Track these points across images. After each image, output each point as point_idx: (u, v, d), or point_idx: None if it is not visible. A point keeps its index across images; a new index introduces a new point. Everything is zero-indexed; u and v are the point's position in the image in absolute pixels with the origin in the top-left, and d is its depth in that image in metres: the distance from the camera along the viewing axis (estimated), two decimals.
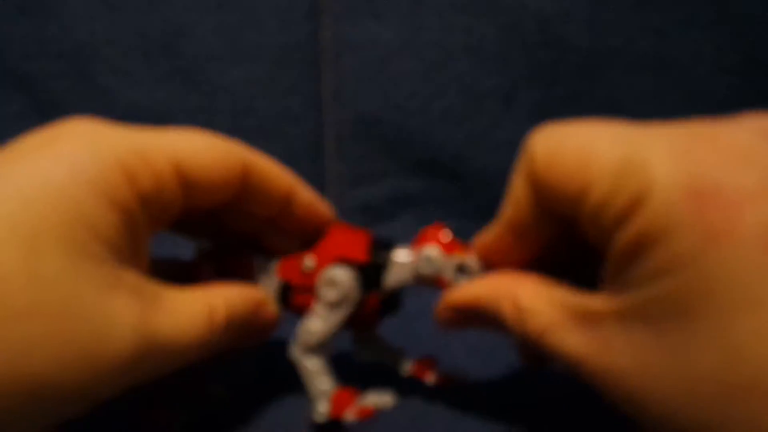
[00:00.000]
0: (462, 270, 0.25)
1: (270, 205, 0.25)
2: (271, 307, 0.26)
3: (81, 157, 0.19)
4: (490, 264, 0.25)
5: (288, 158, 0.51)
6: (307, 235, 0.27)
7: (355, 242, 0.26)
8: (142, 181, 0.20)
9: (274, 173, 0.25)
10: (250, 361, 0.30)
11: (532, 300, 0.22)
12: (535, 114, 0.52)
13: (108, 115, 0.54)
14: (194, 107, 0.51)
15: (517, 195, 0.22)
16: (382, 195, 0.53)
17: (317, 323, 0.24)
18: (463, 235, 0.51)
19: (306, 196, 0.26)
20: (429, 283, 0.25)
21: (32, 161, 0.19)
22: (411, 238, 0.55)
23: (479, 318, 0.24)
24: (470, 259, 0.25)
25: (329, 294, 0.24)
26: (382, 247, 0.26)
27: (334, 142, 0.52)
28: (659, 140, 0.18)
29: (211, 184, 0.23)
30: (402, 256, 0.25)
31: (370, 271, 0.25)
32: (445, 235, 0.25)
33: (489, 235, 0.25)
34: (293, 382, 0.25)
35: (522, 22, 0.50)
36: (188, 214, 0.24)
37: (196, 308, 0.22)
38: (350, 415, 0.23)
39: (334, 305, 0.24)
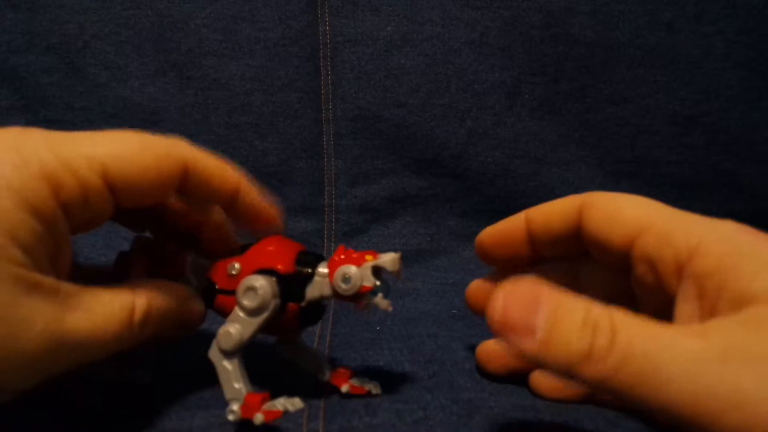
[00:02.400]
0: (377, 272, 0.26)
1: (212, 201, 0.27)
2: (196, 305, 0.27)
3: (4, 165, 0.20)
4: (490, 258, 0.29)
5: (285, 156, 0.51)
6: (252, 235, 0.28)
7: (283, 253, 0.27)
8: (66, 191, 0.22)
9: (218, 173, 0.26)
10: (175, 350, 0.31)
11: (643, 332, 0.19)
12: (538, 110, 0.52)
13: (99, 111, 0.53)
14: (188, 103, 0.50)
15: (553, 212, 0.27)
16: (382, 193, 0.52)
17: (235, 328, 0.26)
18: (464, 235, 0.51)
19: (250, 198, 0.27)
20: (347, 300, 0.26)
21: None
22: (411, 238, 0.54)
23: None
24: (382, 259, 0.26)
25: (248, 301, 0.26)
26: (309, 261, 0.27)
27: (333, 139, 0.51)
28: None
29: (142, 189, 0.23)
30: (326, 270, 0.26)
31: (292, 282, 0.26)
32: (354, 252, 0.26)
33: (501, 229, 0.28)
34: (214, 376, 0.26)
35: (526, 16, 0.50)
36: (125, 210, 0.25)
37: (115, 306, 0.23)
38: (259, 417, 0.24)
39: (252, 312, 0.26)
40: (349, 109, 0.51)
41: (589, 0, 0.50)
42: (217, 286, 0.27)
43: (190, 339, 0.28)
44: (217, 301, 0.27)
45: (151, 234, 0.30)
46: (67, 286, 0.22)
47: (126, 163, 0.23)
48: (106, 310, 0.23)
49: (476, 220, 0.52)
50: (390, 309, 0.26)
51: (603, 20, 0.50)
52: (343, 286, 0.26)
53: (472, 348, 0.32)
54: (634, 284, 0.24)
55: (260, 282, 0.26)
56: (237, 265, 0.27)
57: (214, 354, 0.26)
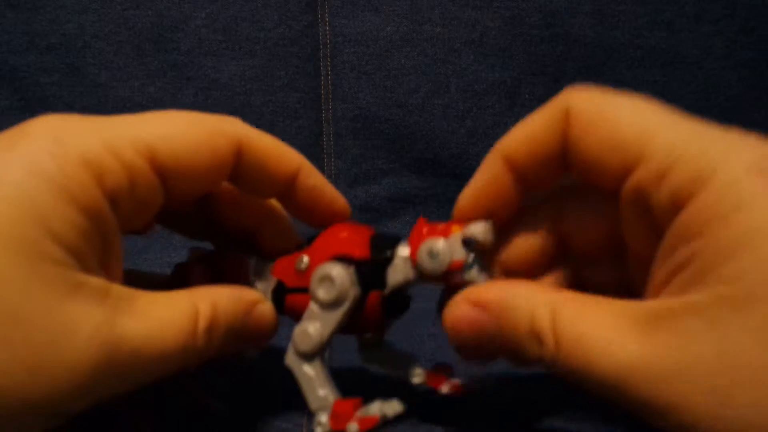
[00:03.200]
0: (469, 243, 0.22)
1: (269, 187, 0.23)
2: (267, 310, 0.24)
3: (40, 153, 0.18)
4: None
5: None
6: (315, 226, 0.25)
7: (355, 238, 0.24)
8: (111, 178, 0.19)
9: (275, 152, 0.23)
10: (247, 369, 0.28)
11: (576, 305, 0.19)
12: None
13: (99, 111, 0.53)
14: (188, 103, 0.50)
15: (535, 139, 0.21)
16: (382, 193, 0.52)
17: (313, 326, 0.22)
18: None
19: (313, 180, 0.24)
20: (436, 280, 0.22)
21: None
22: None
23: (490, 331, 0.21)
24: (472, 228, 0.22)
25: (323, 293, 0.22)
26: (386, 243, 0.23)
27: (333, 139, 0.51)
28: (713, 127, 0.18)
29: (194, 171, 0.21)
30: (407, 251, 0.23)
31: (370, 268, 0.23)
32: (437, 224, 0.23)
33: (484, 176, 0.22)
34: (292, 393, 0.23)
35: (526, 16, 0.50)
36: (177, 204, 0.22)
37: (176, 312, 0.20)
38: (353, 427, 0.21)
39: (329, 305, 0.22)
40: (349, 109, 0.51)
41: (589, 0, 0.50)
42: (287, 285, 0.24)
43: (264, 358, 0.25)
44: (287, 302, 0.24)
45: (205, 238, 0.27)
46: (118, 288, 0.19)
47: (174, 143, 0.20)
48: (164, 315, 0.20)
49: None
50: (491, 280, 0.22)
51: (603, 20, 0.50)
52: (431, 263, 0.22)
53: None
54: (623, 223, 0.20)
55: (336, 270, 0.22)
56: (305, 258, 0.23)
57: (291, 359, 0.23)
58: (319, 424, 0.22)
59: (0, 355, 0.16)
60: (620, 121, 0.19)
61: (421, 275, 0.22)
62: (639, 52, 0.50)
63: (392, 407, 0.23)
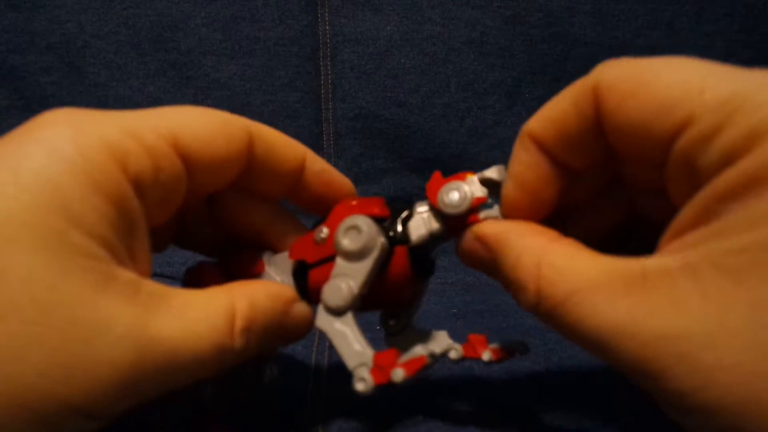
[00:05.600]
0: (486, 183, 0.22)
1: (281, 178, 0.23)
2: (304, 309, 0.23)
3: (61, 139, 0.17)
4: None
5: None
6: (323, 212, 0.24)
7: (370, 202, 0.24)
8: (135, 162, 0.18)
9: (283, 142, 0.23)
10: (272, 370, 0.26)
11: (566, 258, 0.18)
12: (539, 109, 0.51)
13: None
14: (188, 102, 0.50)
15: (562, 120, 0.19)
16: (382, 193, 0.52)
17: (344, 279, 0.21)
18: None
19: (320, 164, 0.24)
20: (458, 224, 0.22)
21: (6, 148, 0.17)
22: None
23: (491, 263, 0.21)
24: (488, 171, 0.22)
25: (349, 242, 0.21)
26: (402, 204, 0.23)
27: (333, 139, 0.51)
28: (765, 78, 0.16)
29: (215, 157, 0.20)
30: (425, 205, 0.23)
31: (392, 223, 0.22)
32: (449, 179, 0.22)
33: (520, 163, 0.21)
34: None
35: (526, 15, 0.50)
36: (190, 210, 0.22)
37: (212, 310, 0.19)
38: (399, 373, 0.20)
39: (357, 255, 0.21)
40: (349, 109, 0.51)
41: (589, 0, 0.50)
42: (308, 261, 0.23)
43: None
44: (312, 278, 0.23)
45: (216, 255, 0.26)
46: (149, 284, 0.18)
47: (194, 129, 0.20)
48: (200, 314, 0.19)
49: None
50: None
51: (603, 20, 0.50)
52: (454, 202, 0.21)
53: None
54: (668, 185, 0.18)
55: (362, 219, 0.21)
56: (325, 229, 0.23)
57: (322, 319, 0.21)
58: (362, 380, 0.20)
59: (35, 355, 0.15)
60: (661, 83, 0.17)
61: (444, 221, 0.22)
62: (639, 52, 0.50)
63: (438, 344, 0.21)
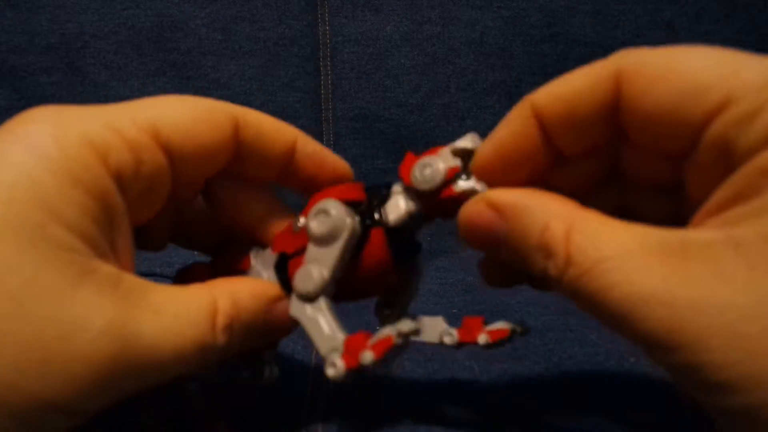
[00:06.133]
0: (457, 153, 0.21)
1: (271, 162, 0.22)
2: (287, 304, 0.22)
3: (40, 136, 0.17)
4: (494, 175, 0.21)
5: None
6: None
7: (347, 187, 0.23)
8: (116, 156, 0.18)
9: (271, 126, 0.22)
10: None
11: (598, 224, 0.17)
12: None
13: None
14: None
15: (576, 98, 0.19)
16: None
17: (312, 266, 0.21)
18: None
19: (311, 146, 0.23)
20: (434, 200, 0.21)
21: None
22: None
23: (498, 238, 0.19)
24: (460, 140, 0.21)
25: (316, 225, 0.21)
26: (378, 187, 0.23)
27: (333, 139, 0.51)
28: None
29: (199, 146, 0.20)
30: (400, 185, 0.22)
31: (367, 206, 0.22)
32: (421, 155, 0.22)
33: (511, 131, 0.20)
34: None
35: (526, 15, 0.50)
36: (185, 205, 0.22)
37: (194, 307, 0.19)
38: (367, 355, 0.19)
39: (325, 239, 0.21)
40: (349, 109, 0.51)
41: (589, 0, 0.50)
42: (288, 253, 0.22)
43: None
44: (291, 270, 0.22)
45: (212, 252, 0.26)
46: (130, 278, 0.18)
47: (176, 119, 0.19)
48: (181, 311, 0.18)
49: None
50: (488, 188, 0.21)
51: (603, 20, 0.50)
52: (426, 176, 0.20)
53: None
54: (692, 167, 0.18)
55: (331, 203, 0.21)
56: (302, 218, 0.22)
57: (295, 307, 0.21)
58: (332, 365, 0.20)
59: (9, 350, 0.15)
60: (693, 67, 0.16)
61: (420, 199, 0.21)
62: None
63: (406, 324, 0.21)
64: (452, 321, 0.30)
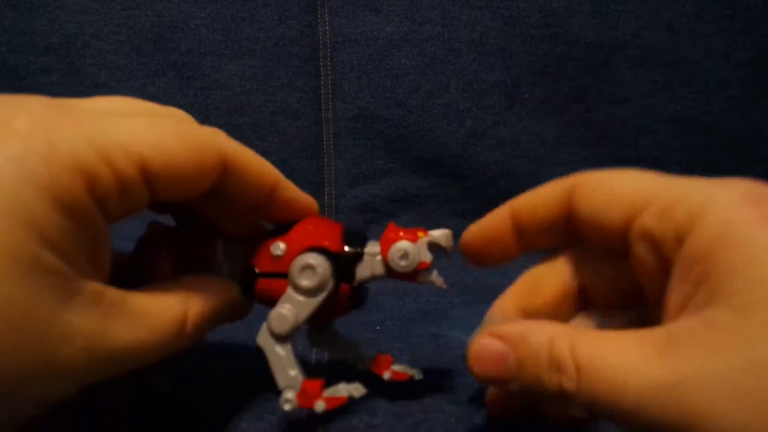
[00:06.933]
0: (432, 248, 0.25)
1: (248, 202, 0.24)
2: (245, 308, 0.25)
3: (33, 158, 0.17)
4: (476, 255, 0.26)
5: (285, 155, 0.51)
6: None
7: (329, 231, 0.25)
8: (103, 185, 0.19)
9: (257, 168, 0.23)
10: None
11: (596, 336, 0.20)
12: (538, 110, 0.51)
13: None
14: (188, 103, 0.50)
15: (539, 204, 0.24)
16: (382, 193, 0.52)
17: (289, 310, 0.24)
18: None
19: (290, 192, 0.25)
20: (402, 278, 0.25)
21: None
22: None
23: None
24: (435, 235, 0.25)
25: (306, 280, 0.24)
26: (356, 240, 0.25)
27: (333, 139, 0.51)
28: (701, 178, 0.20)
29: (181, 183, 0.21)
30: (376, 248, 0.25)
31: (345, 261, 0.25)
32: (404, 229, 0.25)
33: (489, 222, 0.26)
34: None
35: (526, 16, 0.50)
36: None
37: (165, 318, 0.21)
38: (321, 404, 0.22)
39: (310, 292, 0.24)
40: (349, 109, 0.51)
41: (589, 0, 0.50)
42: (257, 270, 0.25)
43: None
44: (258, 286, 0.25)
45: (168, 212, 0.27)
46: (111, 292, 0.19)
47: (166, 155, 0.20)
48: (154, 322, 0.20)
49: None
50: (445, 286, 0.25)
51: (603, 20, 0.50)
52: (402, 263, 0.24)
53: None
54: (635, 268, 0.22)
55: (318, 260, 0.24)
56: (282, 245, 0.24)
57: (264, 339, 0.24)
58: (287, 401, 0.23)
59: None
60: (623, 179, 0.22)
61: (390, 272, 0.25)
62: (639, 52, 0.50)
63: (358, 389, 0.24)
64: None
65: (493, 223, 0.25)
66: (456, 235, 0.26)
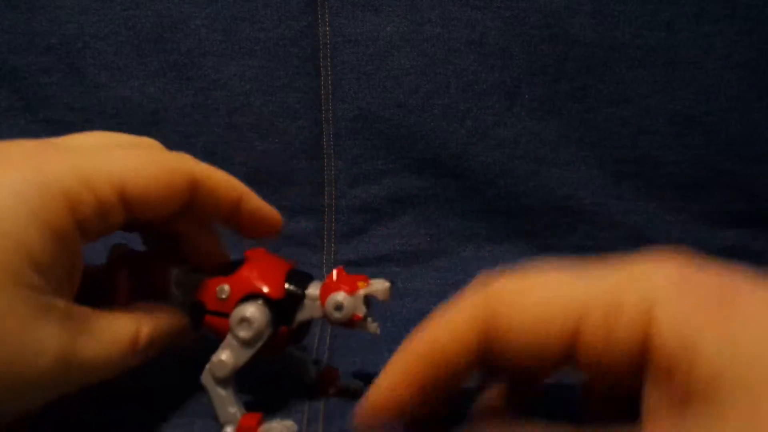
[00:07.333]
0: (368, 302, 0.26)
1: (216, 215, 0.27)
2: (192, 336, 0.28)
3: (25, 186, 0.20)
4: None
5: (285, 156, 0.51)
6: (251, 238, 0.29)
7: (273, 275, 0.27)
8: (84, 208, 0.21)
9: (223, 185, 0.26)
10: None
11: None
12: (539, 110, 0.51)
13: (99, 112, 0.53)
14: (188, 103, 0.50)
15: (457, 340, 0.21)
16: (382, 194, 0.52)
17: (230, 358, 0.26)
18: (464, 235, 0.51)
19: (254, 204, 0.28)
20: (338, 326, 0.27)
21: None
22: (411, 238, 0.54)
23: None
24: (374, 288, 0.26)
25: (243, 332, 0.26)
26: (299, 281, 0.27)
27: (333, 139, 0.51)
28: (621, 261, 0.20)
29: (155, 203, 0.24)
30: (316, 292, 0.27)
31: (283, 307, 0.27)
32: (346, 278, 0.27)
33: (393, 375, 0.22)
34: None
35: (526, 16, 0.50)
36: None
37: (122, 334, 0.24)
38: None
39: (247, 343, 0.26)
40: (349, 109, 0.51)
41: (589, 0, 0.49)
42: (207, 307, 0.27)
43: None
44: (205, 321, 0.28)
45: (139, 235, 0.30)
46: (78, 310, 0.22)
47: (141, 179, 0.23)
48: (114, 337, 0.23)
49: (476, 220, 0.52)
50: (378, 332, 0.26)
51: (603, 20, 0.50)
52: (336, 314, 0.26)
53: None
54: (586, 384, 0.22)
55: (254, 314, 0.26)
56: (227, 288, 0.27)
57: (207, 380, 0.26)
58: None
59: None
60: (542, 294, 0.20)
61: (326, 318, 0.26)
62: (639, 52, 0.50)
63: (288, 427, 0.26)
64: None
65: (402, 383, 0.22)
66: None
